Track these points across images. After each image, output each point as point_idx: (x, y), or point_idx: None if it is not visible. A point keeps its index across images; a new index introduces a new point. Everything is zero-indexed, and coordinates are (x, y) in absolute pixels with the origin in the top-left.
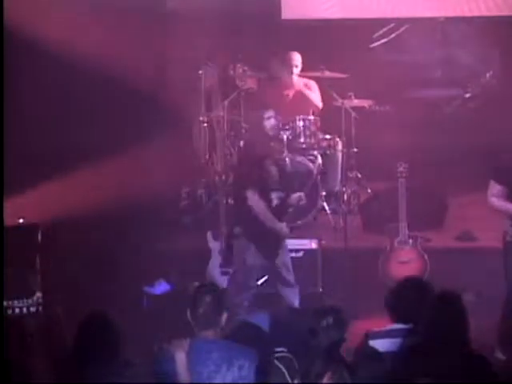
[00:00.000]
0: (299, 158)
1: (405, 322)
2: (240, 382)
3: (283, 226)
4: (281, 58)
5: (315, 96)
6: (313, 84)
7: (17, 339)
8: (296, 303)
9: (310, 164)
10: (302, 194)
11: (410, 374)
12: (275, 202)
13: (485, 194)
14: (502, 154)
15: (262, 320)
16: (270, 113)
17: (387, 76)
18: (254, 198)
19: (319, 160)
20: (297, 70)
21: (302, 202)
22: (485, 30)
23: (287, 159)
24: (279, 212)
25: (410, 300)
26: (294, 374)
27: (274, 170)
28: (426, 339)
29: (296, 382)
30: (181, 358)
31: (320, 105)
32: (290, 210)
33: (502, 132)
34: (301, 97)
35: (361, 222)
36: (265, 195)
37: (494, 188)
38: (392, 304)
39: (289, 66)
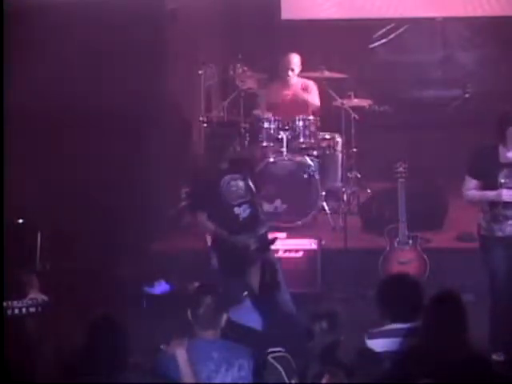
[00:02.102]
0: (299, 158)
1: (396, 320)
2: (240, 381)
3: (244, 238)
4: (280, 60)
5: (313, 96)
6: (311, 84)
7: (17, 340)
8: None
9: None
10: (278, 201)
11: (409, 374)
12: (243, 214)
13: None
14: (476, 149)
15: (246, 316)
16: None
17: (387, 76)
18: (202, 220)
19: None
20: (293, 73)
21: (281, 209)
22: (485, 30)
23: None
24: (250, 223)
25: (397, 297)
26: (291, 373)
27: (235, 185)
28: (425, 339)
29: (293, 381)
30: (182, 355)
31: (318, 104)
32: (265, 218)
33: None
34: (299, 97)
35: (360, 222)
36: (222, 213)
37: (471, 183)
38: (381, 302)
39: (285, 69)
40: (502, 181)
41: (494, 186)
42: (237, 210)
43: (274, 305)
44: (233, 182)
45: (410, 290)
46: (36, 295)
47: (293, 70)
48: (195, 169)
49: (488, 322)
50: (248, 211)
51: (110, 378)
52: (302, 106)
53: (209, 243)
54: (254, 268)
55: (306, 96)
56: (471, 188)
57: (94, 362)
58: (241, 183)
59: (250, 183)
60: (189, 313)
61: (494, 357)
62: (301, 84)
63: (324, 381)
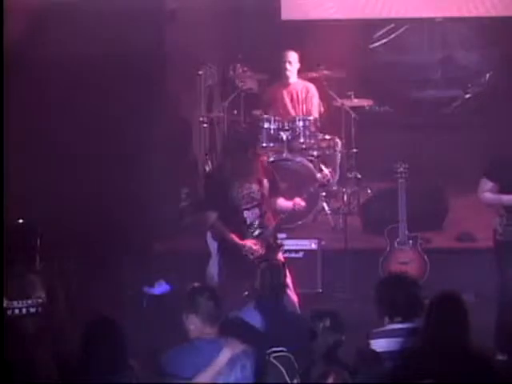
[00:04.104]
0: (299, 159)
1: (395, 320)
2: (242, 382)
3: (248, 244)
4: (278, 57)
5: (315, 101)
6: (312, 89)
7: (17, 340)
8: None
9: (310, 164)
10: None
11: (412, 374)
12: (251, 218)
13: None
14: (494, 152)
15: (249, 316)
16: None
17: (387, 76)
18: (211, 219)
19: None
20: (291, 67)
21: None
22: (485, 30)
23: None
24: (257, 227)
25: (395, 297)
26: (293, 373)
27: (248, 187)
28: (426, 339)
29: (295, 381)
30: (226, 355)
31: (320, 110)
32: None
33: (502, 132)
34: (299, 98)
35: (361, 222)
36: (232, 215)
37: (487, 185)
38: (379, 301)
39: (283, 63)
40: None
41: (511, 189)
42: (246, 213)
43: (279, 307)
44: (246, 185)
45: (408, 290)
46: (41, 293)
47: (290, 62)
48: (208, 169)
49: (494, 325)
50: (257, 215)
51: (110, 378)
52: (302, 106)
53: (209, 242)
54: (260, 270)
55: (309, 99)
56: (487, 190)
57: (94, 363)
58: (254, 186)
59: (264, 186)
60: (191, 315)
61: (499, 357)
62: (302, 86)
63: (329, 381)
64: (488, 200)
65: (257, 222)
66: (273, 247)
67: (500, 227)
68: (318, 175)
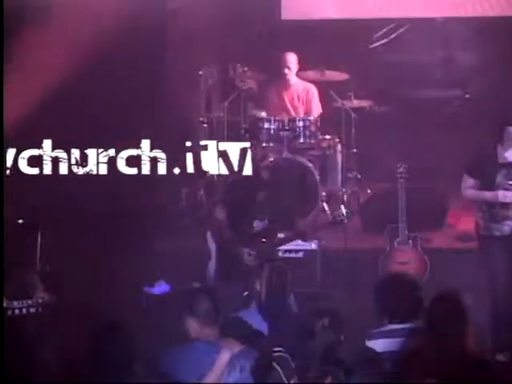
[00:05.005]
0: (299, 159)
1: (393, 321)
2: (241, 382)
3: (246, 252)
4: (277, 59)
5: (315, 106)
6: (312, 89)
7: (17, 340)
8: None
9: (310, 164)
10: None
11: (411, 374)
12: (258, 227)
13: None
14: (475, 148)
15: (251, 317)
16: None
17: (387, 76)
18: (220, 213)
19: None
20: (289, 72)
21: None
22: (485, 30)
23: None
24: (261, 237)
25: (394, 297)
26: (290, 374)
27: (262, 195)
28: (426, 339)
29: (292, 381)
30: (225, 357)
31: (319, 110)
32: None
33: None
34: (299, 99)
35: (361, 222)
36: (242, 218)
37: (468, 182)
38: (378, 302)
39: (281, 67)
40: (499, 181)
41: (492, 185)
42: (256, 222)
43: (281, 307)
44: (260, 194)
45: (407, 290)
46: (43, 295)
47: (289, 68)
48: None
49: (489, 323)
50: (265, 225)
51: (111, 378)
52: (301, 106)
53: (209, 242)
54: (263, 271)
55: (308, 99)
56: (469, 186)
57: (95, 363)
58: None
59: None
60: (189, 316)
61: (499, 357)
62: (302, 87)
63: (327, 381)
64: (471, 196)
65: (263, 233)
66: (271, 255)
67: (482, 221)
68: (335, 214)
